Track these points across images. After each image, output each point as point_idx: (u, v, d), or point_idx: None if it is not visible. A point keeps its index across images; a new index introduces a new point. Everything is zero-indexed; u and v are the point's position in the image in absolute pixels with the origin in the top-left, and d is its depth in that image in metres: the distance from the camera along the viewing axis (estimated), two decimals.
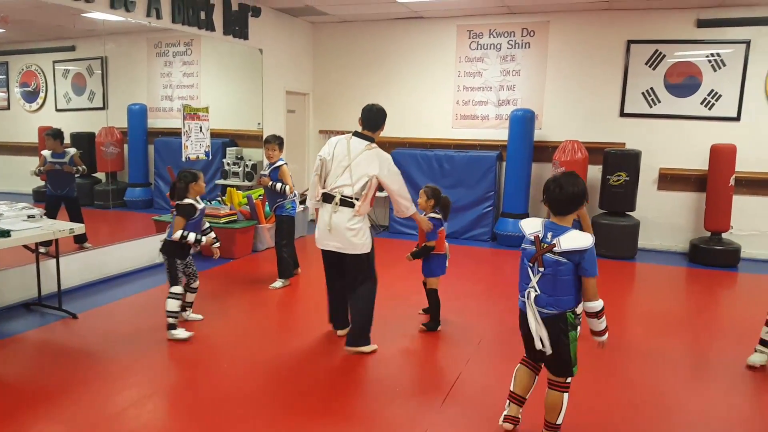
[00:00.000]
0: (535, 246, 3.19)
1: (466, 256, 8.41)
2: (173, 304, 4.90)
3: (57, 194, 6.84)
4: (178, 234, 4.84)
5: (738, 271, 7.91)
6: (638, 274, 7.73)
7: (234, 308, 5.78)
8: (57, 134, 6.86)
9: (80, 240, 6.56)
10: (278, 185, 6.39)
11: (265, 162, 6.62)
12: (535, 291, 3.20)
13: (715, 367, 4.79)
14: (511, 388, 3.52)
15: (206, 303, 5.80)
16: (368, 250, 4.60)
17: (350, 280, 4.70)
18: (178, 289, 4.95)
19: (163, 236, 5.10)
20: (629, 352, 4.89)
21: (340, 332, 5.04)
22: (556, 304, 3.15)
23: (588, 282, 3.10)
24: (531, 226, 3.26)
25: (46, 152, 6.82)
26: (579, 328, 3.29)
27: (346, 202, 4.50)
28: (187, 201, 4.92)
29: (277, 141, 6.48)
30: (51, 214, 6.33)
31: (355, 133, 4.64)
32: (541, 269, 3.16)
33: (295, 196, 6.59)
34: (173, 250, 4.96)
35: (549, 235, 3.15)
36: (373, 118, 4.65)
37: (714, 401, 4.12)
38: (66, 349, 4.81)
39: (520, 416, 3.53)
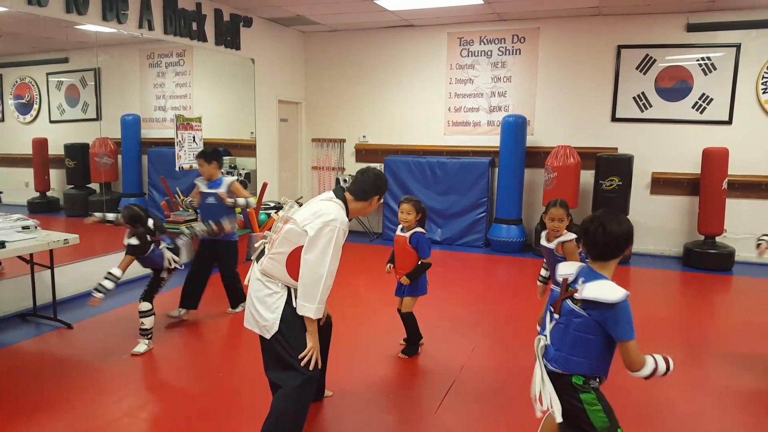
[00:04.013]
0: (560, 289, 2.75)
1: (459, 263, 8.44)
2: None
3: None
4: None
5: (732, 275, 7.93)
6: (632, 279, 7.74)
7: (229, 317, 5.78)
8: None
9: None
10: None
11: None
12: (546, 340, 2.76)
13: (709, 371, 4.81)
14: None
15: (202, 311, 5.82)
16: (275, 330, 3.19)
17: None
18: None
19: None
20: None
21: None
22: (561, 362, 2.66)
23: (623, 348, 2.52)
24: (565, 269, 2.79)
25: None
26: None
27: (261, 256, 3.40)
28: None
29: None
30: None
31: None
32: (557, 316, 2.72)
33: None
34: None
35: (580, 281, 2.65)
36: (360, 182, 3.44)
37: (707, 405, 4.15)
38: (61, 359, 4.82)
39: None
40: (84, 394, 4.10)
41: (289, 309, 3.18)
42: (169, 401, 4.11)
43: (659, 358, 2.60)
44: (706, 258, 8.14)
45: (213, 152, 5.79)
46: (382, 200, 3.57)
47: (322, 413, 3.85)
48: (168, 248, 5.05)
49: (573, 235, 4.15)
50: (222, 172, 5.84)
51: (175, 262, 5.06)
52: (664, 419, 3.88)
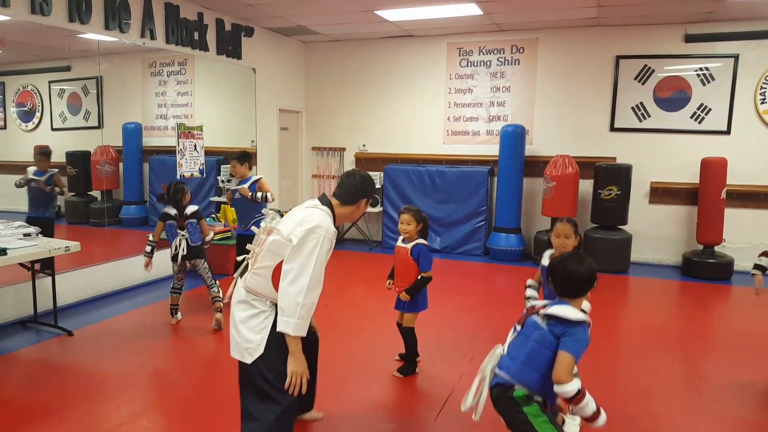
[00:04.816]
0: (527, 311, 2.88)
1: (458, 271, 8.46)
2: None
3: (33, 216, 6.67)
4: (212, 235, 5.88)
5: (731, 284, 7.93)
6: (631, 288, 7.76)
7: (228, 325, 5.80)
8: (45, 152, 6.86)
9: None
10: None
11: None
12: (503, 351, 2.84)
13: (707, 381, 4.82)
14: None
15: (202, 318, 5.85)
16: (259, 353, 2.93)
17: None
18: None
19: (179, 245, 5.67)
20: (621, 366, 4.93)
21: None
22: (514, 370, 2.70)
23: (561, 356, 2.58)
24: (536, 300, 2.99)
25: (30, 168, 6.79)
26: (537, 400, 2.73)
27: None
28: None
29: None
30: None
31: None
32: (519, 327, 2.84)
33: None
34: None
35: (549, 305, 2.77)
36: (346, 186, 3.21)
37: (705, 415, 4.15)
38: (61, 366, 4.84)
39: None
40: (84, 401, 4.11)
41: (276, 331, 2.88)
42: (168, 408, 4.12)
43: (592, 399, 2.61)
44: (705, 267, 8.15)
45: (242, 155, 6.46)
46: (371, 203, 3.40)
47: (322, 421, 3.86)
48: (189, 243, 5.65)
49: None
50: (252, 172, 6.56)
51: (179, 253, 5.65)
52: (662, 428, 3.89)
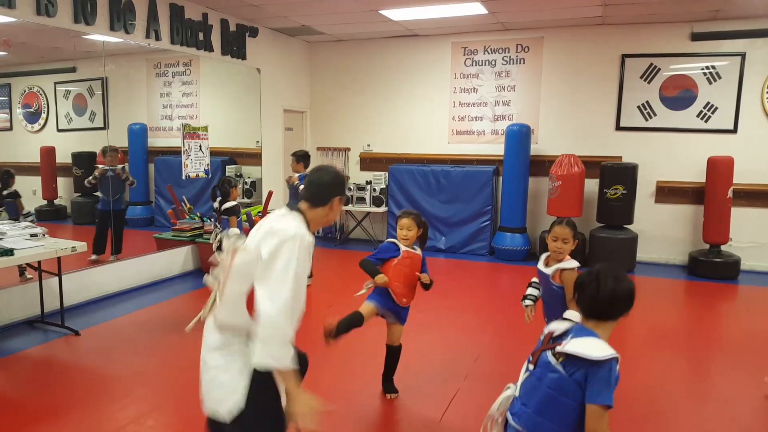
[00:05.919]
0: (543, 340, 2.43)
1: (463, 271, 8.44)
2: None
3: (107, 207, 7.31)
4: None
5: (738, 284, 7.90)
6: (637, 287, 7.61)
7: None
8: (114, 149, 7.47)
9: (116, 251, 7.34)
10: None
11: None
12: (514, 391, 2.44)
13: (713, 381, 4.81)
14: None
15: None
16: (239, 408, 2.36)
17: None
18: None
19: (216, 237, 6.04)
20: (628, 366, 4.90)
21: None
22: (526, 421, 2.30)
23: (591, 411, 2.14)
24: (556, 324, 2.43)
25: (101, 166, 7.38)
26: None
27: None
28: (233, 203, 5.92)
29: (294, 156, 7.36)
30: (102, 230, 7.21)
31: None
32: (532, 367, 2.37)
33: None
34: None
35: (569, 336, 2.31)
36: (314, 185, 2.68)
37: (711, 415, 4.14)
38: (68, 366, 4.85)
39: None
40: (90, 401, 4.12)
41: (259, 376, 2.37)
42: (175, 408, 4.13)
43: None
44: (711, 267, 8.12)
45: (296, 153, 7.33)
46: (344, 201, 2.82)
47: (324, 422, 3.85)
48: (219, 237, 5.92)
49: (575, 263, 3.61)
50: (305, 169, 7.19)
51: (215, 246, 5.98)
52: (670, 429, 3.88)
